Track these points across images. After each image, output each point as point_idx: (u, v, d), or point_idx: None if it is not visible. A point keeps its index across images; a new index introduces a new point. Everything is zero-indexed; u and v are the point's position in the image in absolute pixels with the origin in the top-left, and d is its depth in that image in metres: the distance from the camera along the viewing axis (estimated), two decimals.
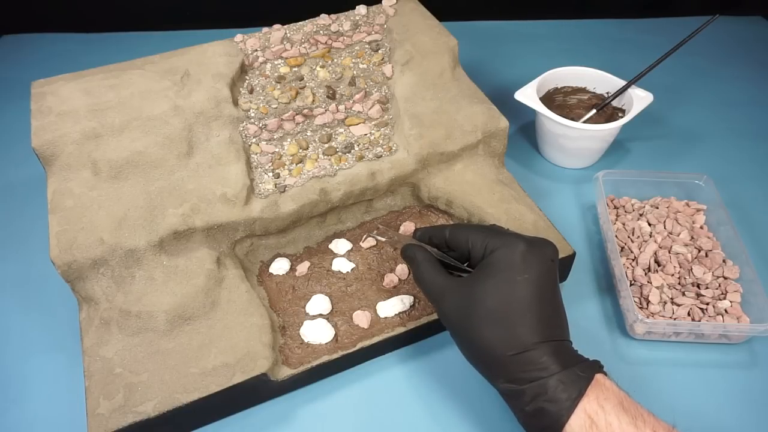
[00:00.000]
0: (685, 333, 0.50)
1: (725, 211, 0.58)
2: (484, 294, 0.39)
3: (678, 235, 0.57)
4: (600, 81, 0.69)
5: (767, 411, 0.47)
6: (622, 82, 0.67)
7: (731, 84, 0.81)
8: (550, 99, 0.70)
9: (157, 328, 0.46)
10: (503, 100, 0.64)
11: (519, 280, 0.39)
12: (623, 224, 0.59)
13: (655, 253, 0.56)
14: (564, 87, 0.71)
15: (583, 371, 0.37)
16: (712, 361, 0.51)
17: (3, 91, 0.79)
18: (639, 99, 0.65)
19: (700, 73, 0.83)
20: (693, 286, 0.53)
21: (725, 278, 0.54)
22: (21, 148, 0.62)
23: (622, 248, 0.57)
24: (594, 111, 0.68)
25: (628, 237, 0.58)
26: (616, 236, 0.57)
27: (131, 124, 0.52)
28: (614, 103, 0.68)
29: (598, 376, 0.37)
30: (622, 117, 0.65)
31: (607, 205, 0.61)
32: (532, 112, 0.65)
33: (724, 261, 0.55)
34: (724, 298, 0.52)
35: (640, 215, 0.60)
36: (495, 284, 0.39)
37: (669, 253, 0.56)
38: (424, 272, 0.44)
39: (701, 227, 0.59)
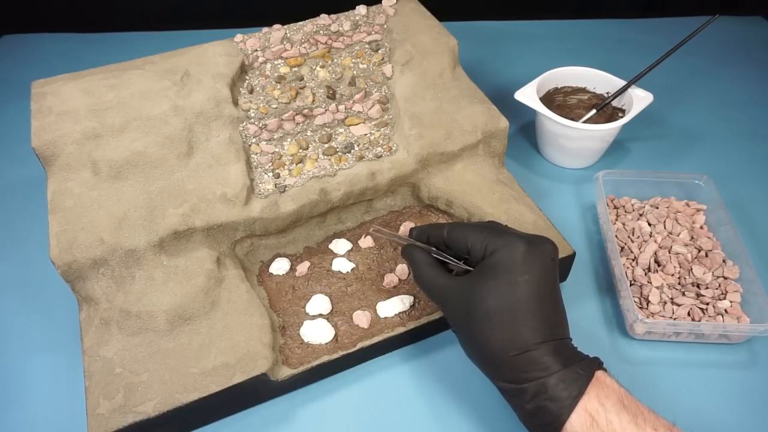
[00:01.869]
0: (685, 333, 0.50)
1: (725, 211, 0.58)
2: (486, 296, 0.39)
3: (678, 235, 0.57)
4: (600, 81, 0.69)
5: (767, 411, 0.47)
6: (622, 82, 0.67)
7: (731, 84, 0.81)
8: (550, 99, 0.70)
9: (157, 328, 0.46)
10: (503, 100, 0.64)
11: (520, 281, 0.39)
12: (623, 224, 0.59)
13: (655, 253, 0.56)
14: (564, 87, 0.71)
15: (583, 369, 0.37)
16: (712, 361, 0.51)
17: (3, 91, 0.79)
18: (639, 99, 0.65)
19: (700, 73, 0.83)
20: (693, 286, 0.53)
21: (725, 278, 0.54)
22: (21, 148, 0.62)
23: (622, 248, 0.57)
24: (594, 111, 0.68)
25: (628, 237, 0.58)
26: (616, 236, 0.57)
27: (131, 124, 0.52)
28: (614, 103, 0.68)
29: (599, 374, 0.38)
30: (622, 117, 0.65)
31: (607, 205, 0.61)
32: (532, 112, 0.65)
33: (724, 261, 0.55)
34: (724, 298, 0.52)
35: (640, 215, 0.60)
36: (496, 286, 0.39)
37: (669, 253, 0.56)
38: (424, 273, 0.44)
39: (701, 227, 0.59)
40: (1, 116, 0.75)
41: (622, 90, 0.66)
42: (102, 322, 0.46)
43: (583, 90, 0.71)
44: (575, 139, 0.64)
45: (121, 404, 0.42)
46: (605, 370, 0.39)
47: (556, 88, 0.70)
